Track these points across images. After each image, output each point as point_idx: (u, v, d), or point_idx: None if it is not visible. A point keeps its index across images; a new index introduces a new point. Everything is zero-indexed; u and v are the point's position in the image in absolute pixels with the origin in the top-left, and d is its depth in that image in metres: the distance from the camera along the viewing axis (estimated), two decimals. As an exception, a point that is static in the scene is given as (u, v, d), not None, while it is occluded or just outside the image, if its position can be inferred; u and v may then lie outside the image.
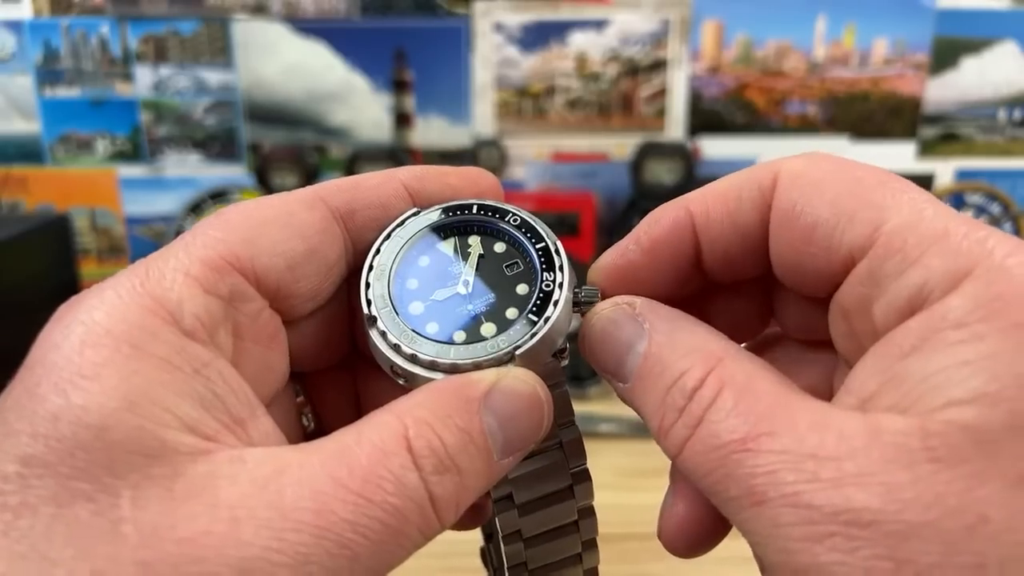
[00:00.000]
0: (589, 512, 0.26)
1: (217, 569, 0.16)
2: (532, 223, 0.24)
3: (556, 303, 0.23)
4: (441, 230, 0.24)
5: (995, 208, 0.97)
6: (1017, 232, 0.97)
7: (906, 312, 0.18)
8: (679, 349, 0.20)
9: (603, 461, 0.62)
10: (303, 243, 0.21)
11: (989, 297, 0.17)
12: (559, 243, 0.24)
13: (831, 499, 0.16)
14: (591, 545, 0.26)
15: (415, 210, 0.24)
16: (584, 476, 0.25)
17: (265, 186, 0.88)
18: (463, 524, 0.24)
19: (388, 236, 0.24)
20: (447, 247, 0.24)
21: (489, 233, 0.25)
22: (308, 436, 0.25)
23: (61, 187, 0.98)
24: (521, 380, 0.21)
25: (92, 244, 1.00)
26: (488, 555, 0.29)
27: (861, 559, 0.16)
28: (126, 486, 0.17)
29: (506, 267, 0.24)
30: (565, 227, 0.93)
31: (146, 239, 1.00)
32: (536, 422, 0.21)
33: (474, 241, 0.24)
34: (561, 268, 0.24)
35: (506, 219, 0.24)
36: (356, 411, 0.26)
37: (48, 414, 0.17)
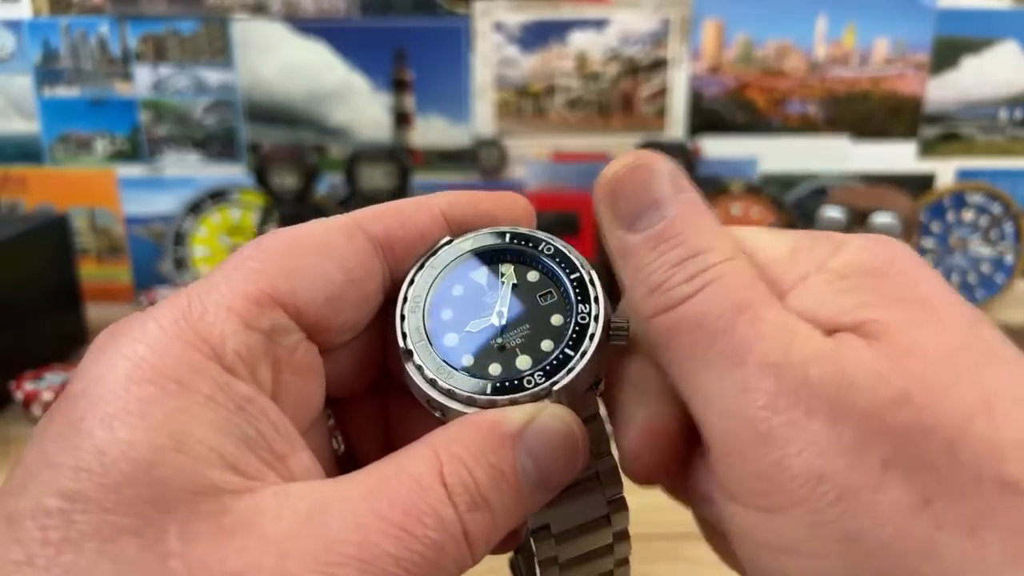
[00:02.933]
0: (623, 535, 0.26)
1: None
2: (566, 252, 0.24)
3: (592, 336, 0.22)
4: (474, 259, 0.24)
5: (995, 208, 0.97)
6: (1017, 232, 0.97)
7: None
8: (708, 229, 0.21)
9: (604, 461, 0.62)
10: (343, 275, 0.21)
11: (838, 270, 0.20)
12: (594, 273, 0.24)
13: (795, 371, 0.18)
14: (623, 563, 0.27)
15: (448, 238, 0.24)
16: (621, 505, 0.25)
17: (265, 186, 0.88)
18: (497, 549, 0.24)
19: (422, 266, 0.23)
20: (480, 276, 0.24)
21: (522, 262, 0.24)
22: (338, 459, 0.26)
23: (60, 187, 0.98)
24: (557, 417, 0.21)
25: (91, 244, 1.00)
26: (517, 566, 0.29)
27: (810, 430, 0.18)
28: (173, 521, 0.17)
29: (540, 297, 0.24)
30: (565, 227, 0.93)
31: (145, 239, 1.00)
32: (571, 460, 0.21)
33: (507, 270, 0.24)
34: (596, 300, 0.23)
35: (539, 248, 0.24)
36: (385, 434, 0.26)
37: (93, 449, 0.17)
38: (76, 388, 0.18)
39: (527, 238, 0.24)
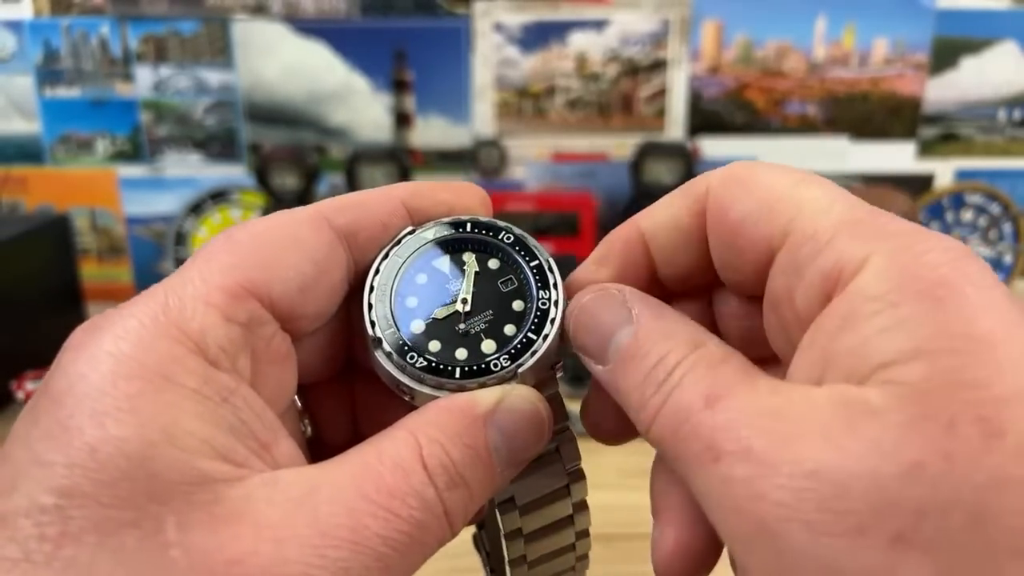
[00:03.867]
0: (583, 506, 0.27)
1: None
2: (525, 240, 0.25)
3: (553, 321, 0.24)
4: (437, 247, 0.25)
5: (995, 208, 0.97)
6: (1016, 232, 0.97)
7: (822, 294, 0.19)
8: (664, 334, 0.21)
9: (605, 460, 0.62)
10: (313, 266, 0.22)
11: (895, 271, 0.18)
12: (551, 261, 0.25)
13: (780, 453, 0.17)
14: (584, 535, 0.28)
15: (410, 228, 0.25)
16: (579, 475, 0.27)
17: (265, 186, 0.88)
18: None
19: (386, 255, 0.24)
20: (443, 265, 0.25)
21: (484, 250, 0.25)
22: (308, 442, 0.26)
23: (61, 187, 0.98)
24: (524, 398, 0.22)
25: (92, 244, 1.00)
26: (481, 541, 0.30)
27: (805, 513, 0.16)
28: (170, 512, 0.17)
29: (501, 283, 0.25)
30: (565, 227, 0.93)
31: (146, 239, 1.00)
32: (537, 436, 0.22)
33: (469, 258, 0.25)
34: (555, 286, 0.25)
35: (499, 236, 0.25)
36: (351, 417, 0.27)
37: (86, 446, 0.17)
38: (59, 386, 0.18)
39: (488, 227, 0.25)
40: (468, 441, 0.21)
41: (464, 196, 0.26)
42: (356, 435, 0.27)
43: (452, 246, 0.25)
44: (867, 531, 0.15)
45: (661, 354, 0.21)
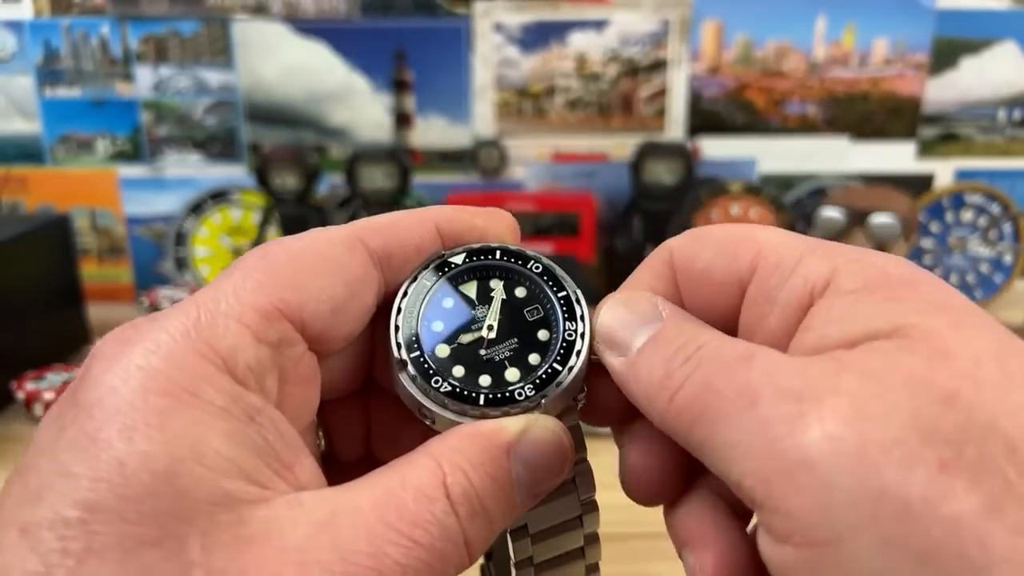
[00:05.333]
0: (594, 538, 0.27)
1: None
2: (553, 271, 0.25)
3: (578, 353, 0.24)
4: (465, 273, 0.25)
5: (994, 208, 0.97)
6: (1016, 232, 0.97)
7: (798, 312, 0.21)
8: (692, 324, 0.22)
9: (603, 460, 0.62)
10: (346, 289, 0.22)
11: (862, 275, 0.20)
12: (579, 292, 0.25)
13: (819, 391, 0.18)
14: (594, 568, 0.28)
15: (441, 253, 0.25)
16: (593, 507, 0.27)
17: (265, 186, 0.88)
18: None
19: (415, 279, 0.24)
20: (471, 290, 0.25)
21: (511, 278, 0.25)
22: (322, 456, 0.26)
23: (61, 187, 0.98)
24: (548, 429, 0.22)
25: (92, 244, 1.00)
26: (488, 572, 0.30)
27: (851, 444, 0.17)
28: (194, 532, 0.17)
29: (527, 312, 0.25)
30: (565, 227, 0.93)
31: (146, 239, 1.00)
32: (559, 467, 0.22)
33: (496, 285, 0.25)
34: (582, 318, 0.24)
35: (528, 265, 0.25)
36: (365, 434, 0.27)
37: (113, 460, 0.17)
38: (88, 397, 0.18)
39: (517, 255, 0.25)
40: (491, 470, 0.21)
41: (496, 222, 0.26)
42: (368, 452, 0.27)
43: (480, 272, 0.25)
44: (914, 460, 0.16)
45: (689, 336, 0.21)
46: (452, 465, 0.20)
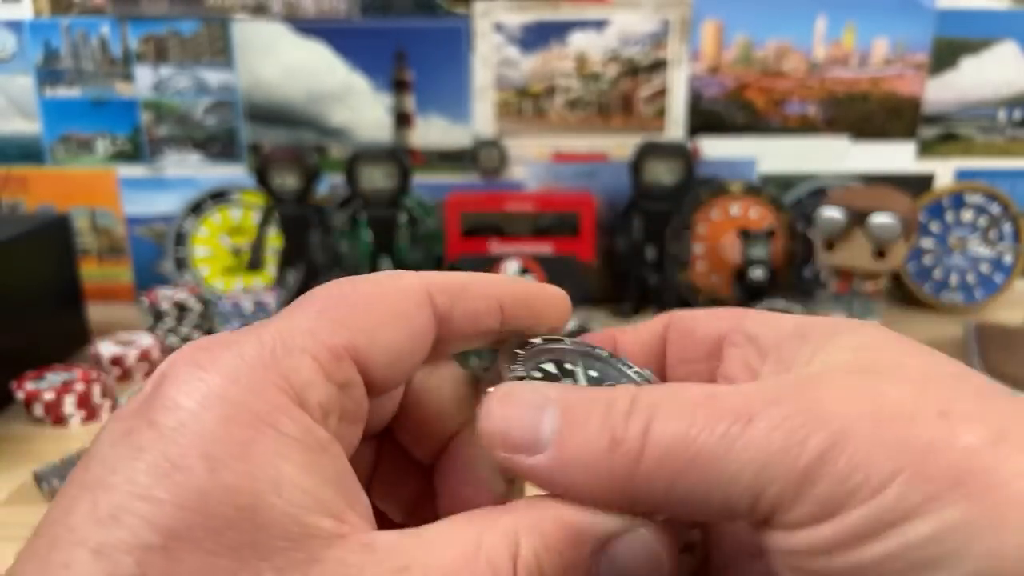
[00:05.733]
0: None
1: None
2: (617, 355, 0.26)
3: None
4: (543, 353, 0.25)
5: (994, 208, 0.97)
6: (1016, 232, 0.97)
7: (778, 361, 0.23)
8: (595, 394, 0.21)
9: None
10: (410, 342, 0.23)
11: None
12: (649, 370, 0.25)
13: (816, 389, 0.19)
14: None
15: (539, 339, 0.26)
16: None
17: (265, 186, 0.88)
18: None
19: (516, 358, 0.24)
20: (551, 367, 0.25)
21: (586, 360, 0.26)
22: None
23: (61, 187, 0.98)
24: (649, 540, 0.20)
25: (92, 244, 1.00)
26: None
27: (864, 411, 0.18)
28: (269, 568, 0.17)
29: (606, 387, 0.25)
30: (565, 227, 0.93)
31: (146, 239, 1.00)
32: None
33: (574, 365, 0.25)
34: None
35: (595, 350, 0.26)
36: (371, 474, 0.28)
37: (197, 489, 0.17)
38: (168, 420, 0.18)
39: (584, 345, 0.26)
40: (567, 561, 0.19)
41: (554, 304, 0.27)
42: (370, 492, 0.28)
43: (556, 354, 0.26)
44: (917, 414, 0.18)
45: (604, 396, 0.20)
46: (528, 544, 0.19)
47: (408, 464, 0.24)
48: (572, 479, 0.20)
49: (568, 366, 0.25)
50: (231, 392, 0.18)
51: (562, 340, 0.26)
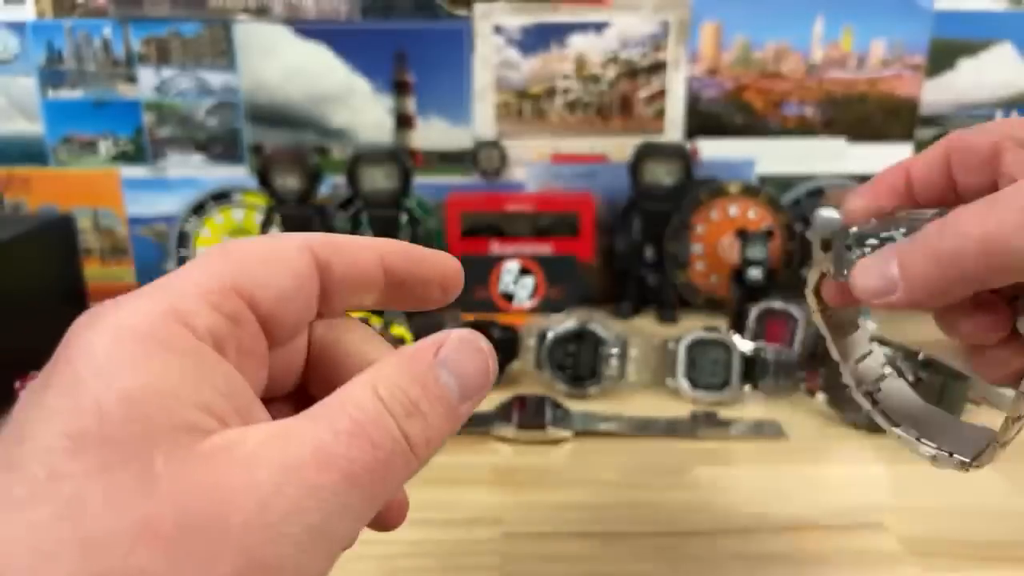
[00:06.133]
0: None
1: (236, 502, 0.20)
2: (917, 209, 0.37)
3: None
4: None
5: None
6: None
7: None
8: (914, 240, 0.31)
9: (606, 459, 0.63)
10: (292, 281, 0.26)
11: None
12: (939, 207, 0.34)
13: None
14: None
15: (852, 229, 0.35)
16: None
17: (266, 187, 0.88)
18: (382, 525, 0.29)
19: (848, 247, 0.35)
20: (876, 241, 0.36)
21: (896, 224, 0.35)
22: None
23: (64, 188, 0.99)
24: (463, 337, 0.25)
25: (95, 244, 1.01)
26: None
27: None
28: (159, 452, 0.20)
29: None
30: (565, 227, 0.94)
31: (149, 239, 1.01)
32: (482, 371, 0.25)
33: (890, 232, 0.35)
34: None
35: (897, 217, 0.36)
36: None
37: (92, 396, 0.20)
38: (68, 354, 0.21)
39: None
40: (418, 375, 0.24)
41: (439, 264, 0.30)
42: None
43: (875, 231, 0.35)
44: None
45: (927, 232, 0.31)
46: (383, 380, 0.23)
47: None
48: (920, 298, 0.30)
49: (883, 235, 0.33)
50: (122, 321, 0.22)
51: (869, 221, 0.34)
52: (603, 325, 0.73)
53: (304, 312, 0.26)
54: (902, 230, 0.33)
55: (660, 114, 0.98)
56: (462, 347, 0.25)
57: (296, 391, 0.29)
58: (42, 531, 0.18)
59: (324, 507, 0.20)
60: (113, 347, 0.21)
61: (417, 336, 0.77)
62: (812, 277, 0.39)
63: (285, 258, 0.26)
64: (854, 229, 0.35)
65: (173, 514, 0.19)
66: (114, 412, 0.20)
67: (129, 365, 0.21)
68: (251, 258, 0.25)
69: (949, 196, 0.36)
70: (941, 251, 0.29)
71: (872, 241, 0.34)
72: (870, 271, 0.32)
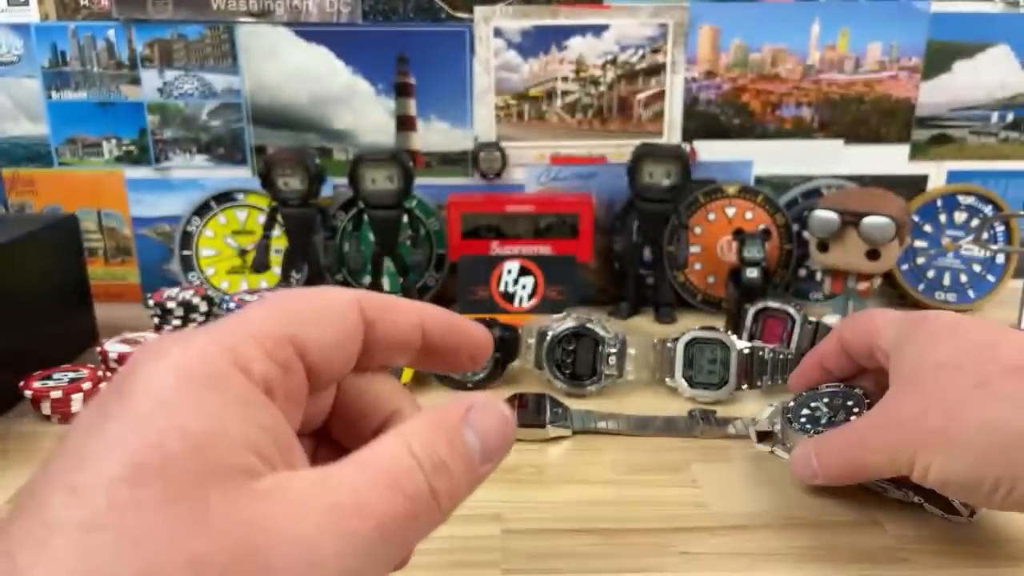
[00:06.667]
0: None
1: (282, 544, 0.21)
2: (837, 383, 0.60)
3: None
4: None
5: (987, 209, 0.99)
6: (1009, 233, 0.99)
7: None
8: (825, 438, 0.54)
9: (602, 457, 0.63)
10: (341, 336, 0.27)
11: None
12: (857, 386, 0.60)
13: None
14: None
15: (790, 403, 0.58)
16: None
17: (269, 189, 0.89)
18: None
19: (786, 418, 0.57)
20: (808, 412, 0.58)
21: (821, 400, 0.58)
22: None
23: (69, 188, 0.99)
24: (492, 405, 0.27)
25: (99, 245, 1.01)
26: None
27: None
28: (215, 490, 0.21)
29: None
30: (564, 228, 0.94)
31: (152, 240, 1.01)
32: (506, 435, 0.27)
33: (818, 406, 0.57)
34: None
35: (822, 390, 0.59)
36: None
37: (155, 431, 0.21)
38: (130, 387, 0.22)
39: None
40: (448, 437, 0.25)
41: (475, 340, 0.32)
42: None
43: (807, 401, 0.58)
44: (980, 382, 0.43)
45: (827, 440, 0.52)
46: (414, 435, 0.25)
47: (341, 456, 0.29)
48: (835, 482, 0.50)
49: (812, 405, 0.55)
50: (185, 362, 0.23)
51: (802, 394, 0.57)
52: (602, 325, 0.74)
53: (346, 365, 0.28)
54: (825, 400, 0.55)
55: (658, 116, 0.99)
56: (488, 412, 0.27)
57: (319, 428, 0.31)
58: (101, 557, 0.19)
59: (360, 552, 0.22)
60: (176, 385, 0.22)
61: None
62: (764, 447, 0.59)
63: (337, 314, 0.27)
64: (791, 403, 0.57)
65: (225, 550, 0.20)
66: (176, 449, 0.21)
67: (191, 405, 0.22)
68: (307, 311, 0.27)
69: (851, 365, 0.55)
70: (845, 453, 0.49)
71: (805, 412, 0.55)
72: (799, 461, 0.51)
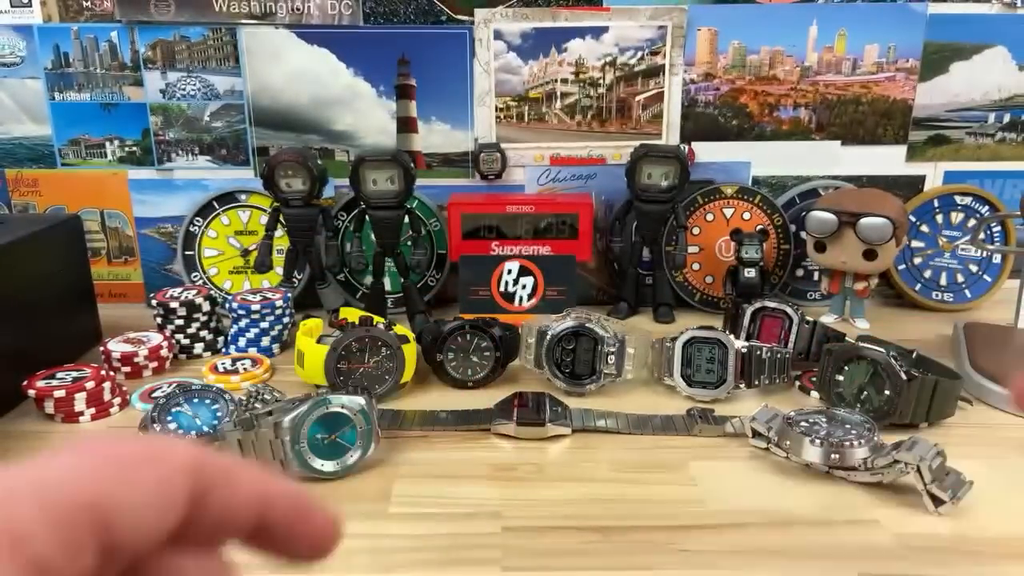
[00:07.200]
0: None
1: None
2: None
3: None
4: None
5: (984, 209, 0.99)
6: (1005, 234, 0.99)
7: None
8: None
9: (601, 455, 0.64)
10: (158, 513, 0.23)
11: None
12: None
13: None
14: None
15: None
16: None
17: (271, 189, 0.89)
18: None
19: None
20: None
21: None
22: None
23: (72, 189, 1.00)
24: None
25: (102, 245, 1.02)
26: None
27: None
28: None
29: None
30: (564, 228, 0.95)
31: (155, 240, 1.02)
32: None
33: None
34: None
35: None
36: None
37: None
38: None
39: None
40: None
41: (320, 529, 0.26)
42: None
43: None
44: None
45: None
46: None
47: None
48: None
49: (811, 419, 0.62)
50: None
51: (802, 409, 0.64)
52: (601, 324, 0.74)
53: (153, 544, 0.24)
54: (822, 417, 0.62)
55: (657, 117, 0.99)
56: None
57: None
58: None
59: None
60: None
61: (418, 337, 0.78)
62: (759, 442, 0.62)
63: (160, 480, 0.23)
64: (791, 414, 0.62)
65: None
66: None
67: None
68: (123, 474, 0.22)
69: None
70: None
71: (802, 421, 0.61)
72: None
